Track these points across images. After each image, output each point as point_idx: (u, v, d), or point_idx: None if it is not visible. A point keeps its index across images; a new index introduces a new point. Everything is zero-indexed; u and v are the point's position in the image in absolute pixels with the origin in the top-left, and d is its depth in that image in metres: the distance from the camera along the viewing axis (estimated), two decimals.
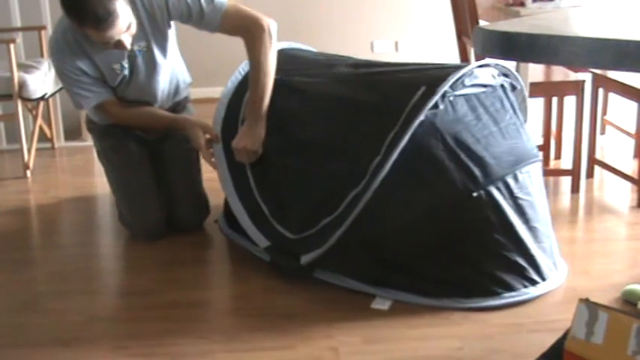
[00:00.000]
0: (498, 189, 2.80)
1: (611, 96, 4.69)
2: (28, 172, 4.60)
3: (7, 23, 5.25)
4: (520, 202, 2.85)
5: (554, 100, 4.38)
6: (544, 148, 4.40)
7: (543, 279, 2.88)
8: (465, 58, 4.16)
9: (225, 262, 3.36)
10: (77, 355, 2.57)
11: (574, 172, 3.95)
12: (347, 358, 2.48)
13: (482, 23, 3.86)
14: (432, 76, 2.90)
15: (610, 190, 4.06)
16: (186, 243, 3.47)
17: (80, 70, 3.28)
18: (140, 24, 3.20)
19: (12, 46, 4.42)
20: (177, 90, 3.60)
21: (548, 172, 4.31)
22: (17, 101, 4.51)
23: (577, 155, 3.91)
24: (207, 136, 3.29)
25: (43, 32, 5.11)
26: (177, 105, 3.65)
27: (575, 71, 4.06)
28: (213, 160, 3.27)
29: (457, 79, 2.85)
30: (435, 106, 2.80)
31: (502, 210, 2.80)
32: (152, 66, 3.36)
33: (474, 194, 2.76)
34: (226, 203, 3.37)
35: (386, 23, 6.51)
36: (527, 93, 3.20)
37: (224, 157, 3.22)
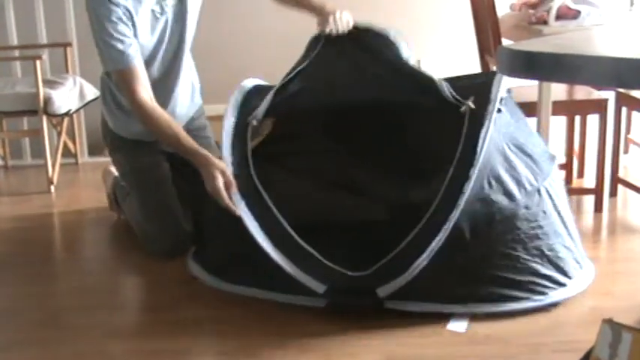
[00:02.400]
0: (546, 187, 2.94)
1: (635, 114, 4.67)
2: (52, 187, 4.63)
3: (33, 40, 5.31)
4: (558, 199, 2.99)
5: (577, 118, 4.37)
6: (567, 166, 4.38)
7: (570, 277, 2.96)
8: None
9: None
10: None
11: (597, 191, 3.93)
12: None
13: (504, 41, 3.86)
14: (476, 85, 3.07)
15: (634, 209, 4.03)
16: None
17: (118, 12, 3.18)
18: None
19: (38, 62, 4.46)
20: (193, 90, 3.62)
21: (571, 191, 4.28)
22: (42, 117, 4.54)
23: (600, 174, 3.89)
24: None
25: (68, 49, 5.15)
26: (198, 119, 3.68)
27: (599, 89, 4.04)
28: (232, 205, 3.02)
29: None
30: (498, 110, 2.94)
31: (557, 204, 2.97)
32: (180, 36, 3.41)
33: (539, 191, 2.89)
34: (201, 251, 3.30)
35: (409, 41, 6.49)
36: (550, 111, 3.25)
37: (247, 208, 2.97)
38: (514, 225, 2.82)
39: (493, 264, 2.80)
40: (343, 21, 3.28)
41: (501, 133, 2.94)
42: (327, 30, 3.27)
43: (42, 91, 4.50)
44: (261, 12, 5.24)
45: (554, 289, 2.88)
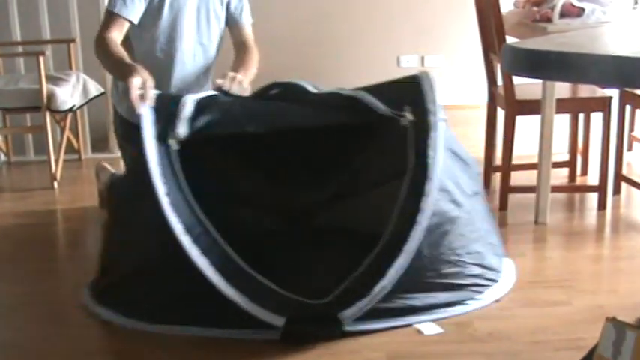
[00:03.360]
0: (479, 189, 3.04)
1: (639, 112, 4.66)
2: (56, 184, 4.63)
3: (37, 36, 5.30)
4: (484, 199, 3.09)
5: (581, 116, 4.36)
6: (570, 164, 4.38)
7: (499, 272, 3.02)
8: (491, 73, 4.15)
9: None
10: None
11: (600, 189, 3.92)
12: None
13: (508, 39, 3.85)
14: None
15: (637, 207, 4.03)
16: None
17: None
18: None
19: (41, 58, 4.46)
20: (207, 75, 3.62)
21: (574, 189, 4.29)
22: (46, 113, 4.55)
23: (603, 172, 3.89)
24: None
25: (72, 45, 5.15)
26: None
27: (603, 87, 4.04)
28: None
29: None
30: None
31: (484, 207, 3.05)
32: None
33: (477, 193, 2.97)
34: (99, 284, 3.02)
35: (412, 39, 6.50)
36: (553, 108, 3.23)
37: (194, 245, 2.68)
38: (460, 232, 2.84)
39: (443, 273, 2.80)
40: (238, 84, 3.19)
41: (443, 140, 2.91)
42: (220, 83, 3.16)
43: (45, 87, 4.50)
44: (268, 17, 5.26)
45: (489, 286, 2.93)
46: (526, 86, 3.88)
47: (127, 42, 3.46)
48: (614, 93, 3.98)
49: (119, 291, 2.91)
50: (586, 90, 4.02)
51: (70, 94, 4.68)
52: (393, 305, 2.72)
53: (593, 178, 4.32)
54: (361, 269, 2.69)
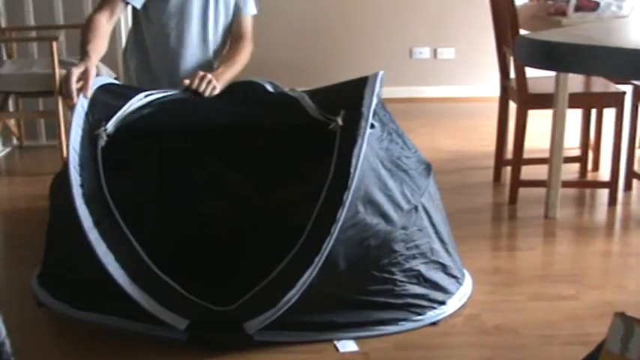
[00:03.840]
0: (423, 202, 2.83)
1: None
2: None
3: (50, 21, 5.31)
4: (434, 213, 2.90)
5: (593, 111, 4.35)
6: (582, 159, 4.37)
7: (448, 293, 2.85)
8: (503, 66, 4.14)
9: None
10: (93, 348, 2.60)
11: (612, 185, 3.91)
12: None
13: (522, 33, 3.84)
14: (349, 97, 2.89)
15: None
16: None
17: None
18: None
19: (54, 43, 4.47)
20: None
21: (585, 184, 4.28)
22: (58, 98, 4.56)
23: (615, 168, 3.87)
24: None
25: None
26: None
27: (616, 82, 4.03)
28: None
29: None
30: (372, 125, 2.77)
31: (434, 219, 2.87)
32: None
33: (416, 208, 2.77)
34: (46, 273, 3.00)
35: (424, 30, 6.50)
36: (566, 103, 3.19)
37: (101, 240, 2.62)
38: (390, 248, 2.66)
39: (369, 290, 2.65)
40: (207, 83, 3.13)
41: (374, 150, 2.76)
42: (188, 83, 3.11)
43: (58, 72, 4.51)
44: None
45: (433, 307, 2.75)
46: (539, 80, 3.87)
47: (137, 26, 3.47)
48: (627, 89, 3.97)
49: (53, 275, 2.95)
50: (599, 85, 4.01)
51: None
52: (310, 320, 2.62)
53: (604, 174, 4.31)
54: (270, 278, 2.57)
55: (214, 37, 3.48)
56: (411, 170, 2.86)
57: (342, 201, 2.55)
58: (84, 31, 3.16)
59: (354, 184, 2.58)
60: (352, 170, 2.60)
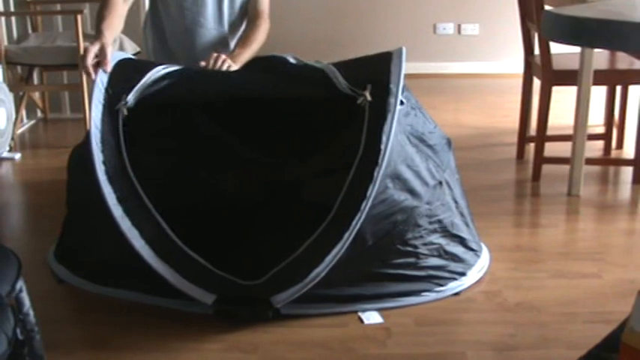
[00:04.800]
0: (446, 178, 2.84)
1: None
2: None
3: None
4: (455, 187, 2.92)
5: (618, 88, 4.31)
6: (606, 137, 4.34)
7: (468, 264, 2.88)
8: (528, 42, 4.11)
9: None
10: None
11: (636, 163, 3.88)
12: (399, 339, 2.48)
13: (546, 7, 3.81)
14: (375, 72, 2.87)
15: None
16: None
17: None
18: None
19: (79, 17, 4.48)
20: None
21: (609, 162, 4.26)
22: (82, 71, 4.56)
23: (639, 145, 3.85)
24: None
25: None
26: None
27: None
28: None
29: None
30: (401, 102, 2.76)
31: (455, 193, 2.88)
32: None
33: (440, 184, 2.78)
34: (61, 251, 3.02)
35: (449, 6, 6.46)
36: (591, 80, 3.16)
37: (126, 216, 2.65)
38: (415, 223, 2.68)
39: (393, 263, 2.67)
40: (223, 63, 3.09)
41: (402, 125, 2.75)
42: (204, 64, 3.07)
43: (82, 45, 4.52)
44: None
45: (454, 278, 2.78)
46: (563, 56, 3.84)
47: (153, 4, 3.47)
48: None
49: (72, 251, 2.97)
50: (624, 62, 3.98)
51: None
52: (335, 293, 2.63)
53: (628, 152, 4.28)
54: (298, 253, 2.58)
55: (230, 16, 3.46)
56: (435, 145, 2.86)
57: (372, 177, 2.57)
58: (100, 10, 3.18)
59: (385, 161, 2.59)
60: (382, 147, 2.61)
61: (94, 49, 2.92)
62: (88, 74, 2.91)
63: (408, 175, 2.67)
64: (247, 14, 3.47)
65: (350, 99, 2.79)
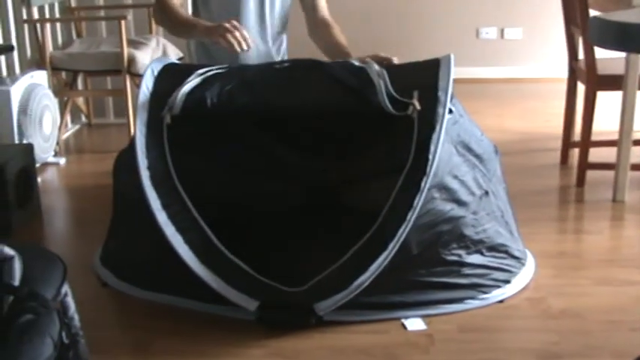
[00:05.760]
0: (492, 187, 2.82)
1: None
2: None
3: (118, 0, 5.38)
4: (500, 196, 2.89)
5: None
6: None
7: (512, 273, 2.85)
8: (572, 47, 4.08)
9: None
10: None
11: None
12: (442, 346, 2.47)
13: (591, 12, 3.77)
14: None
15: None
16: None
17: None
18: None
19: (123, 22, 4.52)
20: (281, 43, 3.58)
21: None
22: (126, 76, 4.62)
23: None
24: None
25: (152, 10, 5.20)
26: None
27: None
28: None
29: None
30: (449, 111, 2.74)
31: (500, 202, 2.85)
32: None
33: (487, 193, 2.76)
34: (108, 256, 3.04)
35: (492, 10, 6.42)
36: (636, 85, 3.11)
37: (170, 222, 2.65)
38: (461, 233, 2.67)
39: (438, 272, 2.65)
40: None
41: (449, 135, 2.73)
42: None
43: (126, 51, 4.57)
44: None
45: (498, 286, 2.75)
46: (608, 61, 3.80)
47: (195, 9, 3.49)
48: None
49: (117, 256, 2.99)
50: None
51: (149, 58, 4.73)
52: (378, 300, 2.61)
53: None
54: (342, 261, 2.58)
55: (271, 22, 3.46)
56: (482, 154, 2.83)
57: (419, 187, 2.56)
58: (169, 17, 3.21)
59: (432, 171, 2.58)
60: (431, 157, 2.60)
61: (229, 26, 2.94)
62: (236, 49, 2.94)
63: (454, 185, 2.66)
64: (313, 19, 3.45)
65: (396, 106, 2.75)
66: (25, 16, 4.68)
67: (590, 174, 3.91)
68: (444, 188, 2.63)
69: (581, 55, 3.90)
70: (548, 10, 5.99)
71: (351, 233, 2.62)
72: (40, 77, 4.42)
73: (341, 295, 2.51)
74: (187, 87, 2.89)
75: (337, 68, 2.97)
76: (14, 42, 4.57)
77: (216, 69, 3.03)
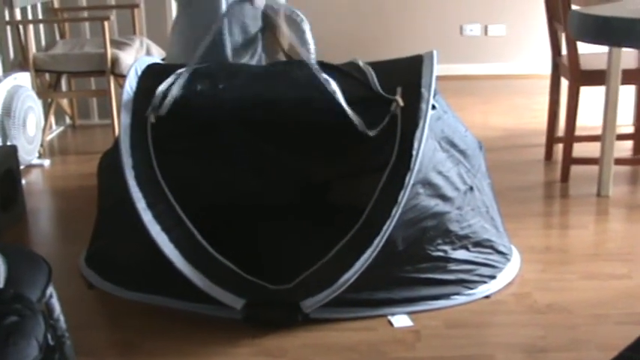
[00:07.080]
0: (476, 183, 2.82)
1: None
2: None
3: (101, 1, 5.36)
4: (484, 191, 2.90)
5: None
6: (635, 136, 4.30)
7: (497, 268, 2.86)
8: (555, 43, 4.09)
9: None
10: None
11: None
12: (428, 341, 2.48)
13: (574, 7, 3.78)
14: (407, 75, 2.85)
15: None
16: None
17: None
18: None
19: (106, 23, 4.51)
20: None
21: (638, 162, 4.22)
22: (110, 77, 4.61)
23: None
24: None
25: (135, 10, 5.19)
26: None
27: None
28: None
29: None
30: (432, 107, 2.74)
31: (485, 197, 2.86)
32: None
33: (471, 189, 2.77)
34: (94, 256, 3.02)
35: (475, 7, 6.43)
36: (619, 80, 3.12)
37: (155, 221, 2.66)
38: (446, 228, 2.67)
39: (423, 268, 2.65)
40: None
41: (433, 131, 2.73)
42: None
43: (110, 51, 4.56)
44: None
45: (484, 282, 2.76)
46: (591, 56, 3.82)
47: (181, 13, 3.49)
48: None
49: (102, 257, 2.98)
50: None
51: (133, 58, 4.72)
52: (364, 297, 2.61)
53: None
54: (327, 258, 2.57)
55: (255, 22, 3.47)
56: (466, 150, 2.84)
57: (404, 183, 2.56)
58: None
59: (416, 166, 2.58)
60: (414, 153, 2.61)
61: None
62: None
63: (438, 180, 2.67)
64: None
65: (379, 102, 2.77)
66: (7, 18, 4.66)
67: (575, 169, 3.93)
68: (428, 184, 2.64)
69: (564, 51, 3.91)
70: (531, 7, 6.01)
71: (338, 230, 2.62)
72: (23, 79, 4.40)
73: (327, 292, 2.52)
74: (172, 86, 2.88)
75: (327, 66, 2.96)
76: None
77: (200, 67, 3.02)
